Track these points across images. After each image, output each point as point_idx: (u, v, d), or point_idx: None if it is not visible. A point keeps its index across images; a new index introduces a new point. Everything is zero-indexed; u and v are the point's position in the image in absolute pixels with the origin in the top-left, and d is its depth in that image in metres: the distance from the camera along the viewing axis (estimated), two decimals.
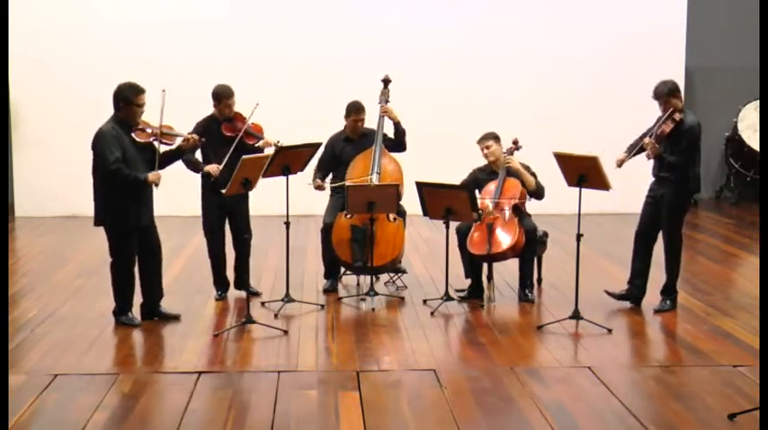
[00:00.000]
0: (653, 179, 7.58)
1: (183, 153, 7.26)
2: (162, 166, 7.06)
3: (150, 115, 7.08)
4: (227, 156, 7.44)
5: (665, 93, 7.35)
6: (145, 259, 7.19)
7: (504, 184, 7.88)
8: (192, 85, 11.67)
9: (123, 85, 6.98)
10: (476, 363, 6.34)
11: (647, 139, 7.34)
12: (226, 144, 7.60)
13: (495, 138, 7.98)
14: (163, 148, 7.06)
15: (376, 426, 5.22)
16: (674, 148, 7.37)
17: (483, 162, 8.09)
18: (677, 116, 7.31)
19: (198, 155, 7.74)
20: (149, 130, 7.01)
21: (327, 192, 8.35)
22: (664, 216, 7.49)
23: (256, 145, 7.75)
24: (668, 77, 7.54)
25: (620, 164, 7.40)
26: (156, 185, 6.98)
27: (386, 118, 8.32)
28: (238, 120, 7.76)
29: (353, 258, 8.02)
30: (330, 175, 8.31)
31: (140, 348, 6.79)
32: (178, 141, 7.18)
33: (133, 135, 6.97)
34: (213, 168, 7.50)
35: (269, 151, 7.64)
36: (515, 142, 8.05)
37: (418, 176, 7.78)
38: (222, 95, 7.75)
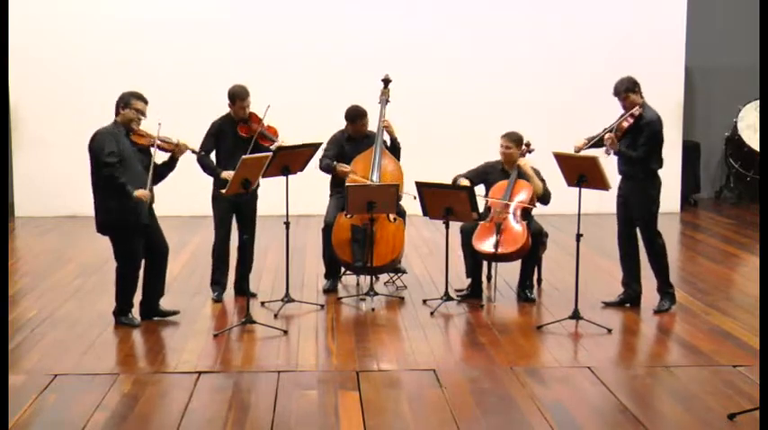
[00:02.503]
0: (620, 177, 7.57)
1: (175, 162, 7.20)
2: (156, 181, 7.03)
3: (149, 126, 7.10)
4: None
5: (623, 89, 7.37)
6: (152, 258, 7.18)
7: (515, 185, 7.89)
8: (192, 86, 11.74)
9: (127, 91, 7.05)
10: (476, 363, 6.34)
11: (607, 135, 7.33)
12: (240, 144, 7.62)
13: (518, 142, 7.94)
14: (159, 155, 7.06)
15: (376, 426, 5.22)
16: (635, 144, 7.38)
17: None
18: (636, 111, 7.32)
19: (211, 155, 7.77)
20: (147, 137, 7.03)
21: (327, 192, 8.36)
22: (636, 216, 7.49)
23: (271, 148, 7.68)
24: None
25: (577, 150, 7.42)
26: (144, 202, 6.90)
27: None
28: (254, 121, 7.77)
29: (353, 258, 8.03)
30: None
31: (140, 348, 6.78)
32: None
33: (131, 137, 6.98)
34: (230, 175, 7.31)
35: None
36: (527, 145, 8.03)
37: (418, 176, 7.79)
38: (237, 96, 7.74)
